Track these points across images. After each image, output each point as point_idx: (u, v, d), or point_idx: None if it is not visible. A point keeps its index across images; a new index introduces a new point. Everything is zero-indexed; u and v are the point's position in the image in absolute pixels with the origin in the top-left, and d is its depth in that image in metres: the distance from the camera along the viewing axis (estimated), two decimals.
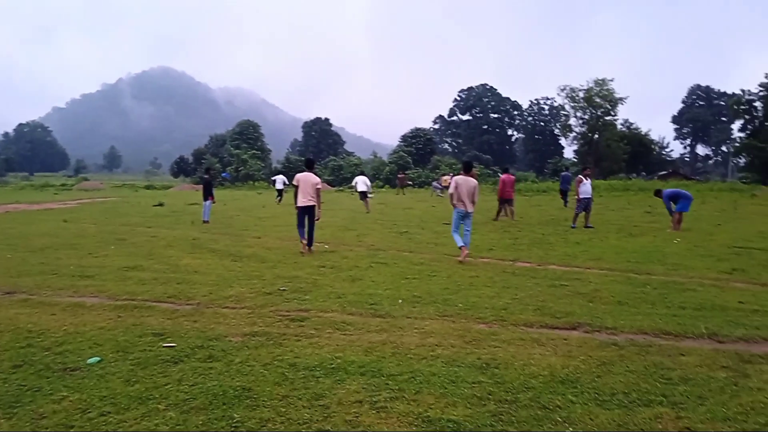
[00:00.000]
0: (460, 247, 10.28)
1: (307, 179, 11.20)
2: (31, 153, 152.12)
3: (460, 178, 10.43)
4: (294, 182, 11.39)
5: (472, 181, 10.44)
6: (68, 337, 5.34)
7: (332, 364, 4.62)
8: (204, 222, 17.36)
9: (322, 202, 11.48)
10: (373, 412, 3.74)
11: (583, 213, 16.20)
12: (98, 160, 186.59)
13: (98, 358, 4.73)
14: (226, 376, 4.36)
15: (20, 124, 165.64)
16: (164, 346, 5.06)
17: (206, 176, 19.82)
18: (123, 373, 4.42)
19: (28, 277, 8.41)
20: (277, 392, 4.04)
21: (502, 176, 19.77)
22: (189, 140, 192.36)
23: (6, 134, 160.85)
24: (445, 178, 42.61)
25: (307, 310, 6.49)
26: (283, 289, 7.57)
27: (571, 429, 3.51)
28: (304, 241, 11.18)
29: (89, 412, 3.71)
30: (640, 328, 5.78)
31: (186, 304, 6.77)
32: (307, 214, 11.17)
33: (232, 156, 75.21)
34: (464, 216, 10.38)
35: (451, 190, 10.48)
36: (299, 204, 11.17)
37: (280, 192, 30.13)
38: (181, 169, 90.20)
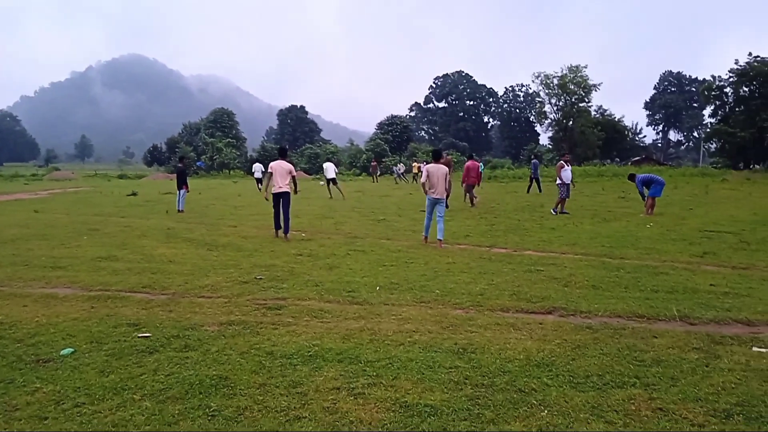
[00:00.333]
0: (425, 237, 10.82)
1: (281, 167, 11.60)
2: (0, 143, 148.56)
3: (431, 166, 10.69)
4: (269, 170, 11.77)
5: (444, 168, 10.66)
6: (41, 329, 5.26)
7: (310, 351, 4.62)
8: (179, 211, 17.17)
9: (299, 190, 11.81)
10: (351, 398, 3.74)
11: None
12: (69, 150, 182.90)
13: (71, 350, 4.66)
14: (203, 365, 4.33)
15: None
16: (139, 337, 5.01)
17: (180, 165, 19.54)
18: (97, 363, 4.36)
19: None
20: (255, 380, 4.03)
21: (467, 163, 20.10)
22: (162, 129, 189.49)
23: None
24: (415, 164, 43.22)
25: (284, 299, 6.47)
26: (260, 278, 7.53)
27: (546, 412, 3.55)
28: (280, 231, 11.48)
29: (63, 404, 3.66)
30: (614, 311, 5.87)
31: (161, 294, 6.70)
32: (281, 199, 11.47)
33: (206, 144, 74.24)
34: (436, 202, 10.61)
35: (423, 179, 10.72)
36: (274, 191, 11.50)
37: (259, 180, 30.52)
38: (154, 157, 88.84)
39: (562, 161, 16.95)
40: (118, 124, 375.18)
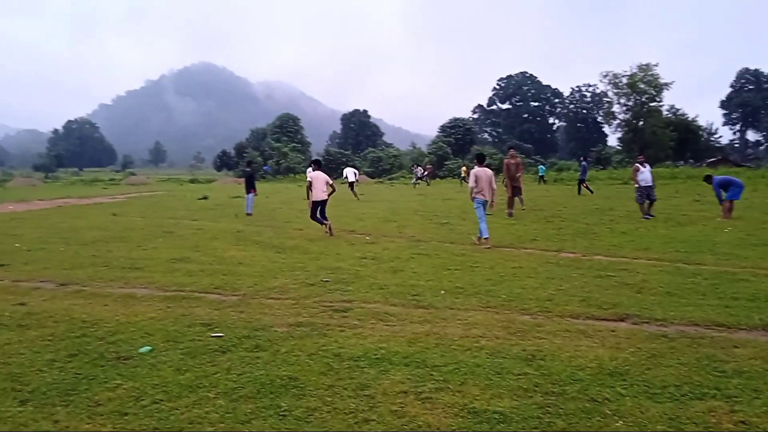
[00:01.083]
0: (486, 238, 10.93)
1: (320, 177, 12.96)
2: (80, 149, 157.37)
3: (479, 170, 11.17)
4: (309, 179, 13.22)
5: (489, 171, 11.34)
6: (121, 327, 5.51)
7: (376, 354, 4.64)
8: (247, 215, 17.65)
9: (333, 192, 13.20)
10: (419, 402, 3.74)
11: (647, 202, 15.56)
12: (144, 155, 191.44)
13: (150, 348, 4.87)
14: (273, 365, 4.43)
15: (69, 121, 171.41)
16: (212, 336, 5.18)
17: (248, 169, 20.09)
18: (174, 362, 4.54)
19: (81, 269, 8.70)
20: (323, 382, 4.09)
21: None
22: (230, 134, 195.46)
23: (56, 131, 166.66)
24: (464, 168, 43.14)
25: (350, 301, 6.54)
26: (326, 281, 7.64)
27: (621, 422, 3.44)
28: (327, 222, 12.80)
29: (142, 400, 3.82)
30: (690, 319, 5.62)
31: (232, 295, 6.90)
32: (321, 205, 12.83)
33: (273, 149, 76.19)
34: (485, 204, 11.13)
35: (471, 183, 11.18)
36: (316, 198, 12.77)
37: (351, 185, 27.71)
38: (223, 162, 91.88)
39: (636, 164, 16.16)
40: (190, 130, 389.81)
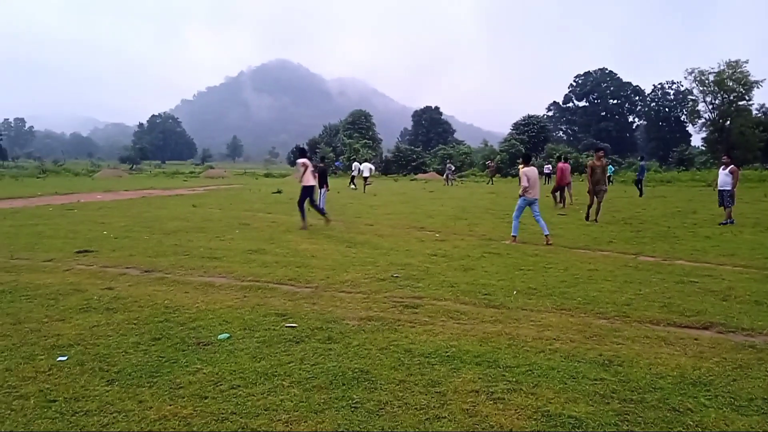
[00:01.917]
0: (514, 236, 11.24)
1: (309, 164, 13.91)
2: (163, 142, 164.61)
3: (529, 170, 11.48)
4: (301, 167, 13.92)
5: (536, 170, 11.72)
6: (200, 314, 5.74)
7: (447, 352, 4.63)
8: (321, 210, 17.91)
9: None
10: (490, 402, 3.70)
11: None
12: (222, 150, 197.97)
13: (227, 335, 5.04)
14: (345, 357, 4.50)
15: (153, 116, 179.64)
16: (286, 326, 5.30)
17: (321, 165, 20.38)
18: (250, 349, 4.68)
19: (164, 257, 9.11)
20: (394, 376, 4.11)
21: (560, 164, 20.64)
22: (304, 130, 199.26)
23: (140, 125, 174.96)
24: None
25: (420, 298, 6.54)
26: (396, 276, 7.67)
27: None
28: (324, 214, 14.03)
29: (221, 385, 3.97)
30: None
31: (305, 287, 7.05)
32: (311, 193, 13.63)
33: (344, 145, 77.06)
34: (532, 203, 11.40)
35: (524, 182, 11.36)
36: (308, 183, 13.63)
37: (357, 179, 31.20)
38: (297, 157, 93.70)
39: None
40: (265, 125, 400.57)
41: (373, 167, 31.52)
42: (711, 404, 3.68)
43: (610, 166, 33.42)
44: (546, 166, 42.28)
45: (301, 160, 14.06)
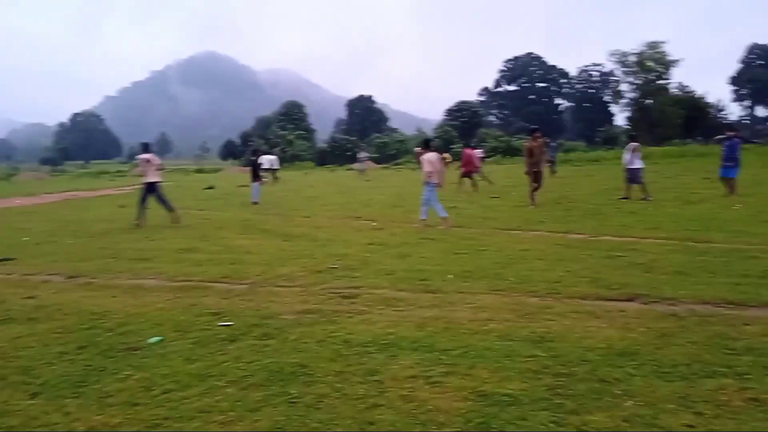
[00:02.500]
0: (444, 218, 11.24)
1: (154, 160, 13.61)
2: (86, 141, 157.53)
3: (431, 155, 11.72)
4: (143, 163, 13.69)
5: (438, 155, 12.08)
6: (130, 318, 5.53)
7: (385, 340, 4.64)
8: (253, 203, 17.67)
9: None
10: (428, 386, 3.74)
11: (629, 185, 15.27)
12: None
13: (159, 338, 4.88)
14: (282, 352, 4.44)
15: (74, 114, 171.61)
16: (221, 325, 5.19)
17: (252, 158, 20.08)
18: (183, 351, 4.55)
19: (90, 261, 8.74)
20: (332, 368, 4.09)
21: (467, 150, 21.09)
22: (236, 123, 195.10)
23: (62, 124, 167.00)
24: (445, 155, 42.50)
25: (358, 287, 6.53)
26: (334, 267, 7.64)
27: (631, 402, 3.42)
28: (173, 211, 13.48)
29: (153, 390, 3.84)
30: (700, 297, 5.58)
31: (240, 284, 6.91)
32: (156, 189, 13.40)
33: (278, 137, 76.13)
34: (435, 187, 11.53)
35: (428, 168, 11.52)
36: (150, 180, 13.34)
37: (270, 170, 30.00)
38: (229, 152, 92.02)
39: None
40: (195, 120, 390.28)
41: (274, 158, 31.79)
42: (637, 373, 3.84)
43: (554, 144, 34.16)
44: (477, 151, 43.03)
45: (143, 156, 13.71)
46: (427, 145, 12.49)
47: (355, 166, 42.37)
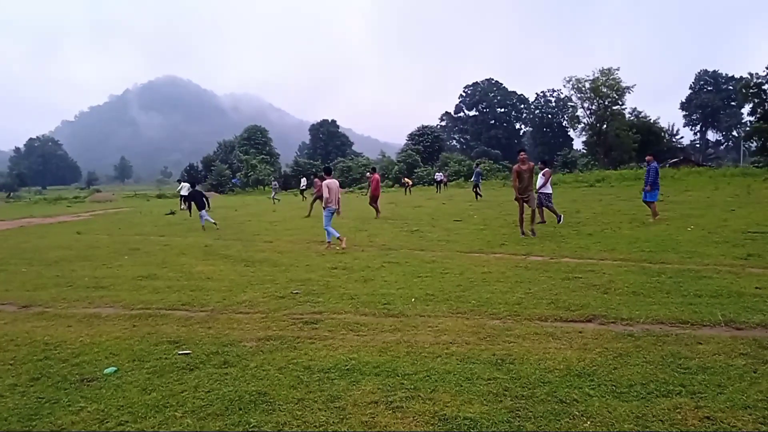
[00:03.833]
0: (338, 238, 12.02)
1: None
2: (43, 167, 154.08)
3: (331, 182, 12.40)
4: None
5: (337, 183, 12.75)
6: (84, 348, 5.39)
7: (347, 365, 4.62)
8: (203, 227, 17.67)
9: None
10: (389, 412, 3.73)
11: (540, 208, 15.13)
12: (109, 172, 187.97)
13: (114, 368, 4.76)
14: (242, 381, 4.38)
15: (30, 139, 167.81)
16: (179, 354, 5.09)
17: (195, 189, 20.15)
18: (139, 381, 4.44)
19: (44, 290, 8.49)
20: (293, 395, 4.05)
21: (374, 176, 21.35)
22: (198, 148, 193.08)
23: (17, 149, 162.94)
24: (406, 180, 43.97)
25: (320, 313, 6.50)
26: (296, 293, 7.58)
27: (589, 423, 3.48)
28: None
29: (107, 422, 3.74)
30: (656, 317, 5.73)
31: (200, 311, 6.80)
32: None
33: (241, 162, 75.56)
34: (333, 212, 12.34)
35: (326, 194, 12.23)
36: None
37: (184, 199, 30.01)
38: (191, 176, 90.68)
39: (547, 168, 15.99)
40: (156, 145, 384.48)
41: (189, 186, 32.61)
42: (595, 393, 3.91)
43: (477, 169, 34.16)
44: (437, 174, 43.57)
45: None
46: (327, 172, 13.22)
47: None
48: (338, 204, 12.63)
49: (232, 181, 70.28)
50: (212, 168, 79.48)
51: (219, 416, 3.75)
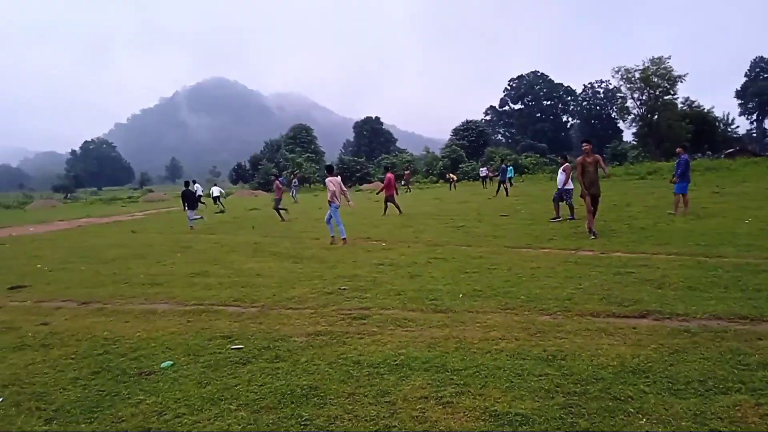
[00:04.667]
0: (343, 238, 12.52)
1: None
2: (98, 168, 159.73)
3: (333, 179, 12.81)
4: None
5: (338, 179, 12.98)
6: (142, 343, 5.57)
7: (396, 360, 4.64)
8: (191, 228, 18.52)
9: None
10: (439, 407, 3.73)
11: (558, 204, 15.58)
12: (161, 172, 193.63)
13: (171, 362, 4.91)
14: (293, 375, 4.45)
15: (86, 142, 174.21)
16: (232, 348, 5.21)
17: (185, 189, 20.76)
18: (195, 375, 4.57)
19: (102, 287, 8.81)
20: (343, 390, 4.09)
21: (388, 174, 21.14)
22: (245, 147, 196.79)
23: (73, 152, 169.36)
24: (450, 175, 43.44)
25: (368, 308, 6.54)
26: (344, 289, 7.65)
27: (645, 420, 3.40)
28: None
29: (165, 414, 3.86)
30: (713, 313, 5.54)
31: (251, 307, 6.94)
32: None
33: (287, 160, 76.58)
34: (337, 208, 12.72)
35: (334, 188, 12.71)
36: None
37: (216, 199, 32.90)
38: (239, 175, 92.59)
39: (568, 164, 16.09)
40: (205, 145, 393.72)
41: (222, 190, 36.14)
42: (650, 390, 3.82)
43: (510, 167, 33.67)
44: (482, 169, 43.13)
45: None
46: (330, 170, 13.51)
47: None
48: (347, 198, 13.24)
49: (279, 179, 71.38)
50: (259, 167, 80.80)
51: (272, 409, 3.82)
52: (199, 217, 20.09)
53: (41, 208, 53.44)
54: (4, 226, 25.33)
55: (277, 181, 20.91)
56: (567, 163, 16.03)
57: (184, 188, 21.12)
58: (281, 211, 20.46)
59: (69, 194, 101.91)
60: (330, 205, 12.77)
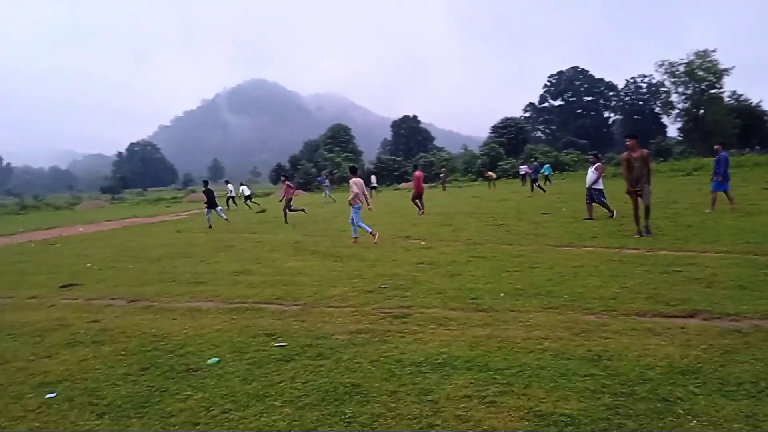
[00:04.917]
0: (355, 237, 13.01)
1: None
2: (143, 170, 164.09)
3: (356, 180, 13.12)
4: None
5: (361, 181, 13.37)
6: (189, 340, 5.70)
7: (438, 359, 4.63)
8: (209, 227, 19.20)
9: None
10: (483, 406, 3.71)
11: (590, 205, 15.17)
12: (203, 173, 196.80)
13: (217, 359, 5.01)
14: (336, 372, 4.49)
15: (131, 144, 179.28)
16: (276, 346, 5.28)
17: (206, 189, 21.04)
18: (240, 372, 4.65)
19: (149, 285, 9.04)
20: (386, 388, 4.11)
21: (416, 173, 21.11)
22: (284, 147, 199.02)
23: (119, 154, 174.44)
24: (489, 173, 42.91)
25: (408, 307, 6.54)
26: (384, 287, 7.67)
27: (695, 422, 3.32)
28: None
29: (212, 410, 3.94)
30: (765, 313, 5.36)
31: (293, 305, 7.03)
32: None
33: (326, 160, 77.27)
34: (360, 208, 12.97)
35: (357, 190, 12.96)
36: None
37: (248, 198, 33.85)
38: (279, 176, 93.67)
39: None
40: (246, 146, 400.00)
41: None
42: (700, 391, 3.72)
43: (547, 165, 33.17)
44: (522, 167, 42.65)
45: None
46: (354, 171, 13.97)
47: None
48: (367, 200, 13.45)
49: (318, 179, 71.92)
50: (299, 167, 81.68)
51: (315, 406, 3.87)
52: (223, 216, 20.88)
53: (90, 208, 55.22)
54: (55, 227, 26.24)
55: (286, 181, 21.04)
56: (599, 163, 15.73)
57: (203, 188, 21.98)
58: (293, 211, 20.60)
59: (116, 195, 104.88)
60: (352, 207, 13.05)
